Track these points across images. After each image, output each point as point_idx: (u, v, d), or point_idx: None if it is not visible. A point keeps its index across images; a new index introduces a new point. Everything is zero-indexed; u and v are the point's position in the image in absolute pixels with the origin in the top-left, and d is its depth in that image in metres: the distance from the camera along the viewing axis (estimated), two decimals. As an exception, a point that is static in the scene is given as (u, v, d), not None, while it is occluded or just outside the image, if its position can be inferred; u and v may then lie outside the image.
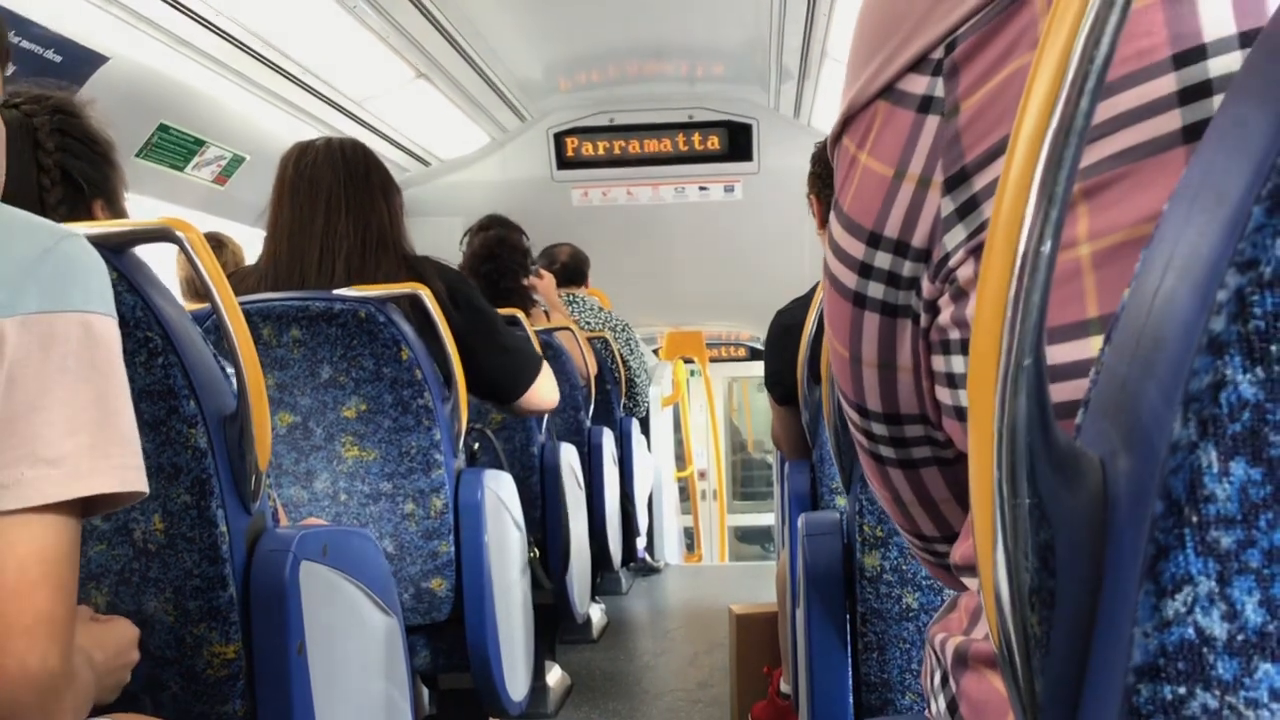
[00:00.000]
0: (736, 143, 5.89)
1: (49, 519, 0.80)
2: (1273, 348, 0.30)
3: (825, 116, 5.13)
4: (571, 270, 4.68)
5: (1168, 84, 0.46)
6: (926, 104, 0.57)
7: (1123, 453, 0.35)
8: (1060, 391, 0.48)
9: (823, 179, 2.42)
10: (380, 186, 2.15)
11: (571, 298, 4.62)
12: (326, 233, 2.08)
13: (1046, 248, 0.34)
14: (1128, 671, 0.32)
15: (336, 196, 2.10)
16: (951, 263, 0.56)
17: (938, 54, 0.56)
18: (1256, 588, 0.31)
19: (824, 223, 2.42)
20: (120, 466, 0.85)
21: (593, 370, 3.88)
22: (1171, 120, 0.46)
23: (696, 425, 8.59)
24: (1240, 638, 0.31)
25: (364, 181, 2.12)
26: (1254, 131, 0.32)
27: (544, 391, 2.36)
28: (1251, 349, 0.30)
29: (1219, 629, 0.31)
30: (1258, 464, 0.30)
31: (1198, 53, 0.46)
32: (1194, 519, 0.31)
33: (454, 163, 5.96)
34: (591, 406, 3.83)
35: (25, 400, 0.80)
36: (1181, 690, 0.31)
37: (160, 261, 1.45)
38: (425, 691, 2.38)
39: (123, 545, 1.19)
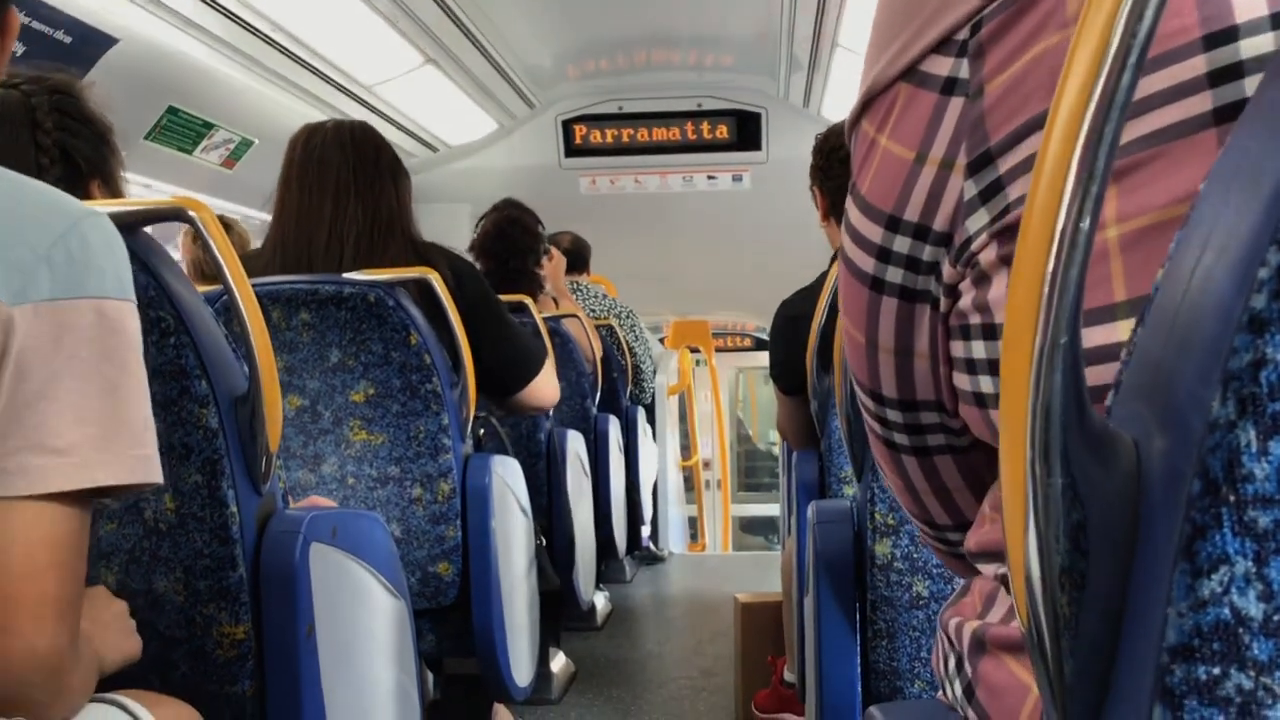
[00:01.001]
0: (745, 132, 5.88)
1: (56, 507, 0.80)
2: (1315, 326, 0.30)
3: (835, 106, 5.12)
4: (573, 257, 4.67)
5: (1198, 65, 0.46)
6: (950, 85, 0.56)
7: (1157, 433, 0.34)
8: (1090, 376, 0.48)
9: (824, 170, 2.40)
10: (389, 170, 2.14)
11: (575, 285, 4.61)
12: (335, 216, 2.06)
13: (1085, 224, 0.34)
14: (1161, 651, 0.32)
15: (345, 180, 2.08)
16: (974, 246, 0.56)
17: (963, 34, 0.56)
18: (1294, 568, 0.30)
19: (826, 214, 2.40)
20: (130, 458, 0.84)
21: (599, 357, 3.88)
22: (1202, 102, 0.46)
23: (702, 414, 8.58)
24: (1277, 618, 0.30)
25: (373, 165, 2.11)
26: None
27: (545, 387, 2.33)
28: (1293, 327, 0.30)
29: (1255, 609, 0.31)
30: (1298, 444, 0.30)
31: (1229, 34, 0.46)
32: (1231, 498, 0.31)
33: (462, 149, 5.95)
34: (598, 394, 3.83)
35: (34, 389, 0.79)
36: (1216, 670, 0.31)
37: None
38: (430, 676, 2.38)
39: (133, 524, 1.19)
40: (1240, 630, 0.31)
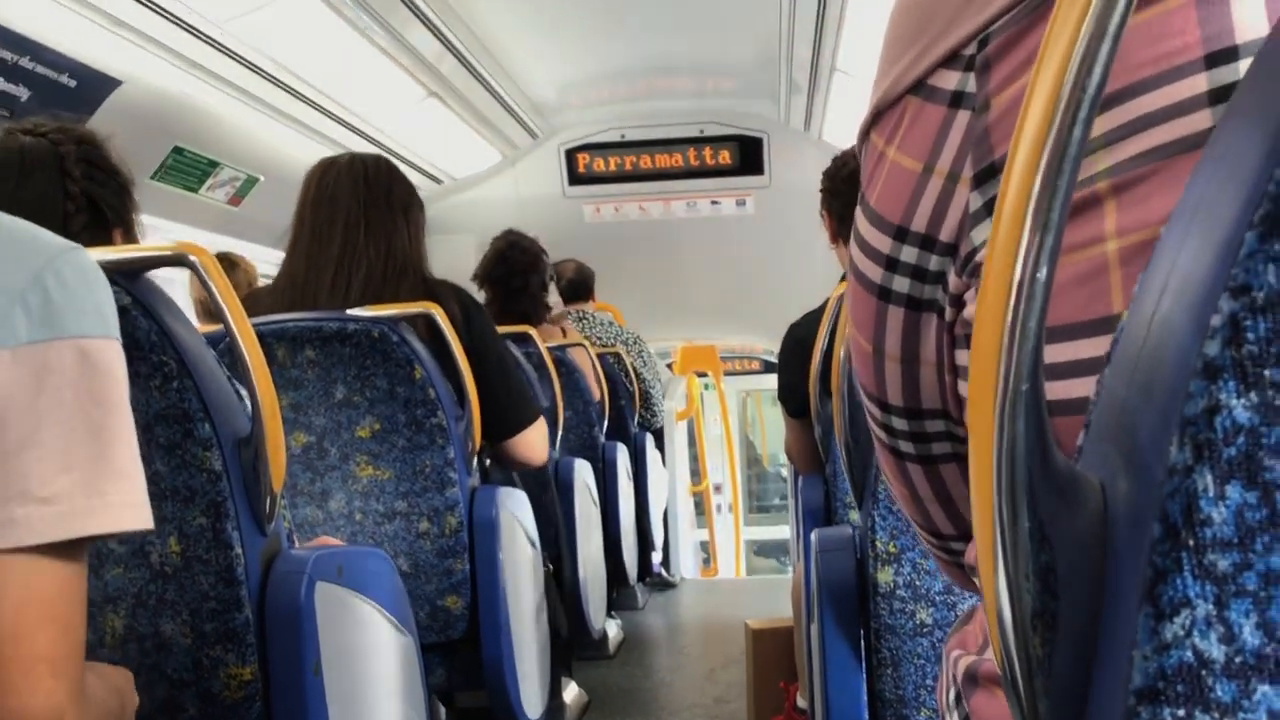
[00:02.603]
0: (748, 157, 5.90)
1: (45, 559, 0.77)
2: (1266, 372, 0.30)
3: (835, 130, 5.14)
4: (577, 285, 4.69)
5: (1199, 84, 0.47)
6: (958, 99, 0.57)
7: (1122, 476, 0.35)
8: (1087, 387, 0.48)
9: (831, 192, 2.43)
10: (401, 205, 2.14)
11: (580, 314, 4.63)
12: (343, 254, 2.07)
13: (1043, 274, 0.35)
14: (1128, 694, 0.32)
15: (355, 216, 2.09)
16: (979, 257, 0.57)
17: (970, 50, 0.57)
18: (1254, 610, 0.31)
19: (835, 236, 2.43)
20: (118, 505, 0.81)
21: (604, 386, 3.88)
22: (1202, 120, 0.46)
23: (711, 439, 8.57)
24: (1238, 660, 0.31)
25: (384, 201, 2.11)
26: (1247, 155, 0.33)
27: (535, 442, 2.30)
28: (1245, 374, 0.31)
29: (1217, 651, 0.31)
30: (1253, 487, 0.31)
31: (1229, 53, 0.46)
32: (1191, 542, 0.31)
33: (466, 181, 5.98)
34: (605, 422, 3.84)
35: (17, 437, 0.76)
36: (1180, 712, 0.31)
37: (171, 284, 1.47)
38: (442, 710, 2.38)
39: (139, 568, 1.20)
40: (1203, 672, 0.31)
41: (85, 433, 0.80)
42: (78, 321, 0.81)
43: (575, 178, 6.00)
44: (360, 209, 2.09)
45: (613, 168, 5.98)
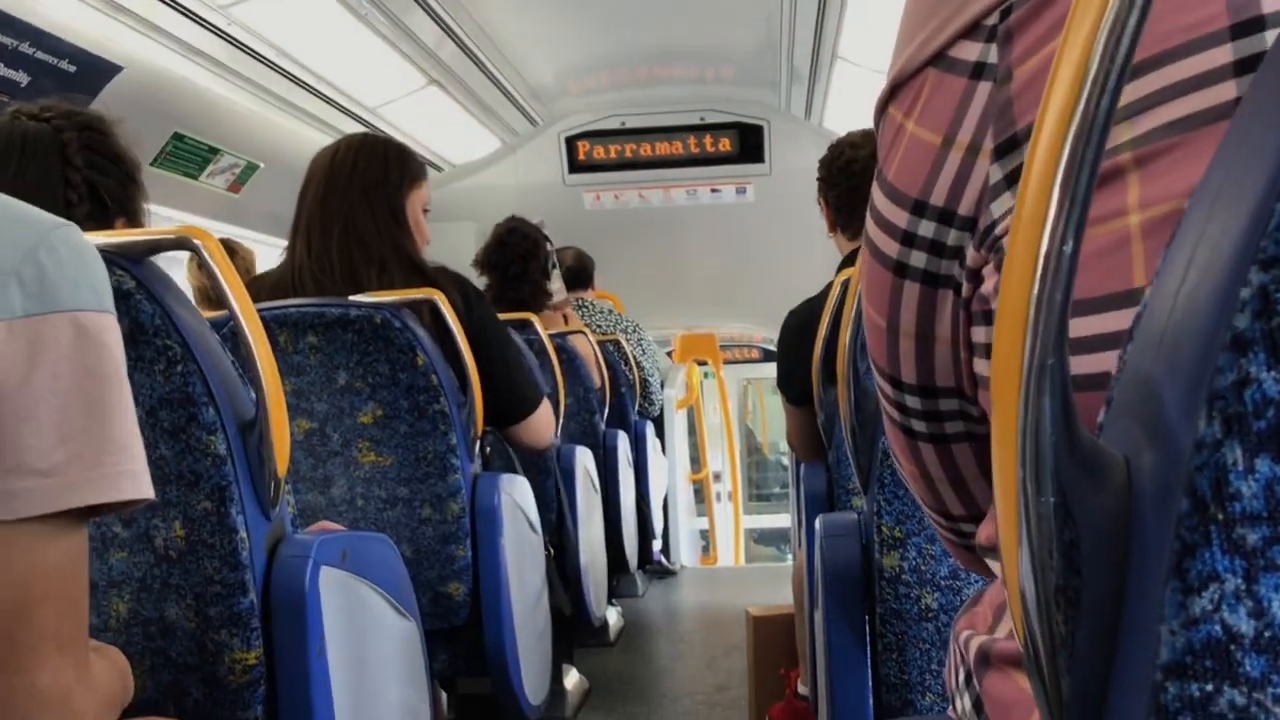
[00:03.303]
0: (748, 144, 5.89)
1: (45, 531, 0.77)
2: (1297, 345, 0.30)
3: (836, 117, 5.13)
4: (577, 273, 4.68)
5: (1224, 54, 0.46)
6: (979, 70, 0.57)
7: (1147, 450, 0.35)
8: (1109, 361, 0.48)
9: (827, 181, 2.43)
10: (398, 187, 2.13)
11: (580, 302, 4.62)
12: (343, 238, 2.07)
13: (1069, 247, 0.34)
14: (1155, 669, 0.32)
15: (354, 201, 2.08)
16: (998, 230, 0.56)
17: (992, 20, 0.56)
18: (1283, 584, 0.31)
19: (833, 226, 2.44)
20: (115, 474, 0.81)
21: (605, 373, 3.88)
22: (1226, 91, 0.46)
23: (711, 427, 8.57)
24: (1268, 634, 0.31)
25: (382, 183, 2.10)
26: (1275, 126, 0.32)
27: (543, 425, 2.31)
28: (1275, 346, 0.30)
29: (1246, 626, 0.31)
30: (1283, 461, 0.30)
31: (1256, 24, 0.46)
32: (1220, 516, 0.31)
33: (466, 168, 5.97)
34: (606, 409, 3.83)
35: (13, 410, 0.76)
36: (1209, 687, 0.31)
37: (170, 273, 1.46)
38: (444, 696, 2.38)
39: (144, 552, 1.19)
40: (1232, 647, 0.31)
41: (82, 405, 0.79)
42: (73, 295, 0.81)
43: (575, 165, 5.99)
44: (359, 193, 2.08)
45: (613, 155, 5.97)
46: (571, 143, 5.96)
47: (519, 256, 3.42)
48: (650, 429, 4.66)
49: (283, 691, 1.23)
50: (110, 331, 0.84)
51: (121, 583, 1.20)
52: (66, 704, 0.79)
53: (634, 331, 4.78)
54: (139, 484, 0.83)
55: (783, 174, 5.82)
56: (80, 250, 0.83)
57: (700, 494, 7.31)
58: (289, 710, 1.23)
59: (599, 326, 4.60)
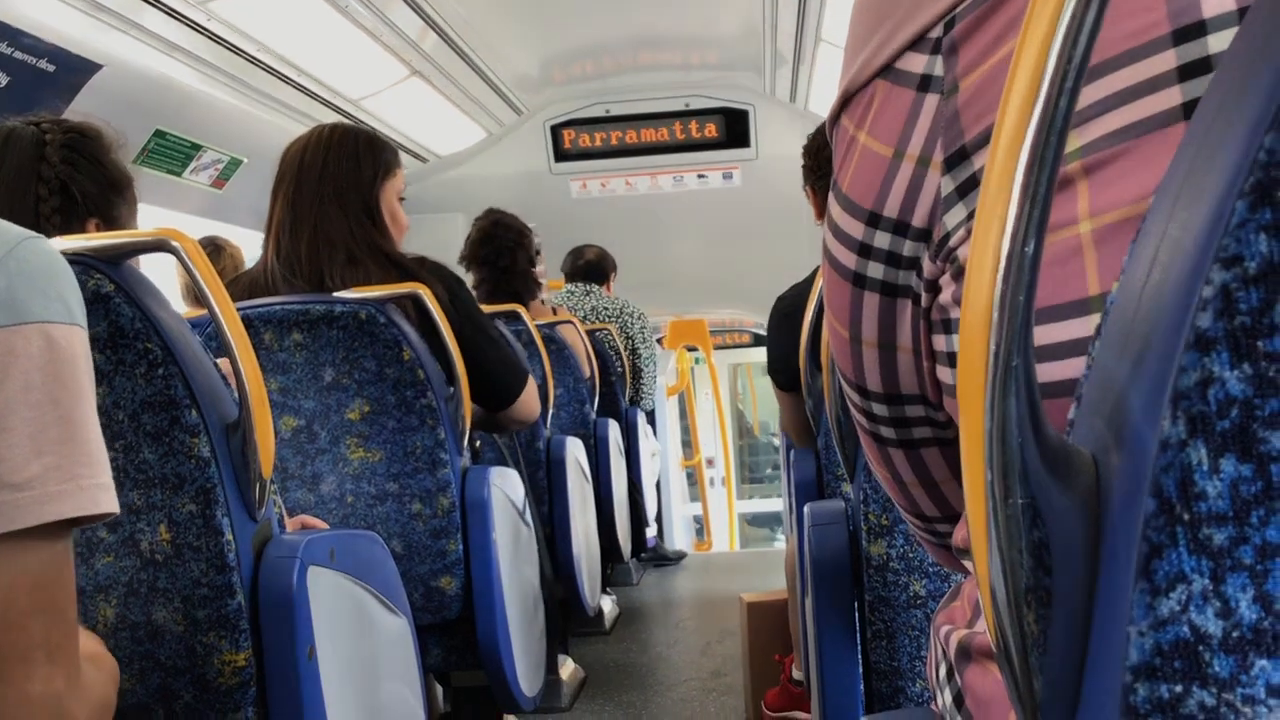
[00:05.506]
0: (734, 129, 5.87)
1: (27, 545, 0.77)
2: (1259, 343, 0.30)
3: (822, 101, 5.12)
4: (594, 266, 4.75)
5: (1168, 60, 0.46)
6: (926, 82, 0.57)
7: (1114, 450, 0.34)
8: (1064, 369, 0.48)
9: (815, 170, 2.42)
10: (371, 184, 2.09)
11: (589, 288, 4.69)
12: (313, 240, 2.03)
13: (1030, 248, 0.34)
14: (1124, 671, 0.32)
15: (326, 202, 2.04)
16: (952, 241, 0.56)
17: (936, 32, 0.56)
18: (1250, 584, 0.30)
19: (821, 213, 2.42)
20: (91, 487, 0.81)
21: (594, 363, 3.89)
22: (1171, 97, 0.46)
23: (702, 412, 8.59)
24: (1235, 634, 0.30)
25: (354, 184, 2.07)
26: (1235, 125, 0.32)
27: (531, 402, 2.32)
28: (1238, 345, 0.30)
29: (1214, 626, 0.31)
30: (1247, 460, 0.30)
31: (1197, 29, 0.46)
32: (1186, 517, 0.31)
33: (451, 159, 5.95)
34: (596, 399, 3.83)
35: None
36: (1178, 689, 0.31)
37: (161, 268, 1.46)
38: (439, 689, 2.38)
39: (130, 556, 1.19)
40: (1200, 648, 0.31)
41: (55, 417, 0.79)
42: (43, 308, 0.80)
43: (561, 154, 5.97)
44: (329, 185, 2.05)
45: (598, 143, 5.95)
46: (557, 131, 5.93)
47: (507, 248, 3.42)
48: (641, 417, 4.67)
49: (273, 693, 1.23)
50: (79, 344, 0.83)
51: (108, 587, 1.19)
52: (59, 711, 0.79)
53: (638, 319, 4.82)
54: (110, 498, 0.83)
55: (769, 158, 5.81)
56: (50, 261, 0.82)
57: (693, 479, 7.33)
58: (280, 711, 1.23)
59: (604, 309, 4.66)
